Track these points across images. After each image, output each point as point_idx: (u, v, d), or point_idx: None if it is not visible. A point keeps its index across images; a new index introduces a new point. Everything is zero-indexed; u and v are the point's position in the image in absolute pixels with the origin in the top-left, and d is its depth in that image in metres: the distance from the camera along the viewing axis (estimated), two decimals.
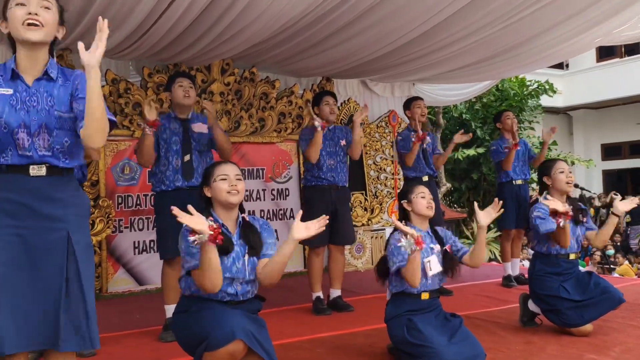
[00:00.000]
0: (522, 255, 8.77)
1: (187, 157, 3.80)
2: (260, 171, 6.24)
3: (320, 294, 4.51)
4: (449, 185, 11.77)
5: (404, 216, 3.28)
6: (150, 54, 5.04)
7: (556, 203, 3.60)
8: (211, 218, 2.47)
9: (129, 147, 5.48)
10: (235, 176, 2.62)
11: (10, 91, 2.03)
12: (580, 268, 3.96)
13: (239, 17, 4.20)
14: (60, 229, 2.04)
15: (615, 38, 6.06)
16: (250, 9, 4.08)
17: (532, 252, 3.97)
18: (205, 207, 2.66)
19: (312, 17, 4.46)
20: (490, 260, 10.96)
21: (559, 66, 15.86)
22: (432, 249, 3.15)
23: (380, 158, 7.00)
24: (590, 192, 11.30)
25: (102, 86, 5.17)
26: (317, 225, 2.49)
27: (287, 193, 6.39)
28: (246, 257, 2.58)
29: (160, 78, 5.48)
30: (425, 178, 5.10)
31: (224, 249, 2.48)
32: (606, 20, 5.19)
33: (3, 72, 2.06)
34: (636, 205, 3.82)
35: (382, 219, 6.90)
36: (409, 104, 5.34)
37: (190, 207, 2.32)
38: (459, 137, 5.25)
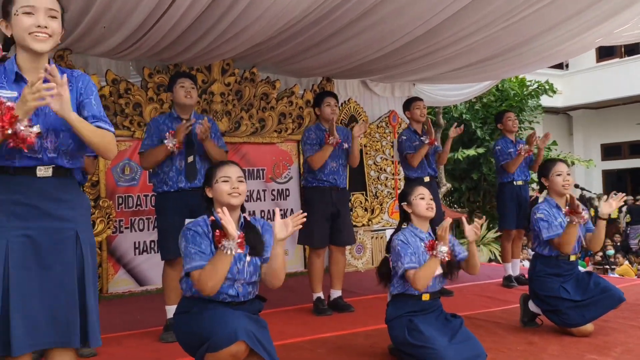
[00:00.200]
0: (522, 255, 8.76)
1: (190, 159, 3.80)
2: (261, 171, 6.24)
3: (321, 294, 4.51)
4: (449, 185, 11.77)
5: (405, 218, 3.28)
6: (150, 54, 5.04)
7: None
8: (220, 210, 2.43)
9: (129, 147, 5.48)
10: (237, 178, 2.62)
11: (15, 94, 2.03)
12: (580, 268, 3.96)
13: (239, 17, 4.20)
14: (68, 229, 2.07)
15: (615, 38, 6.06)
16: (251, 9, 4.08)
17: (532, 252, 3.97)
18: (207, 207, 2.66)
19: (313, 17, 4.46)
20: (490, 260, 10.97)
21: (559, 66, 15.87)
22: None
23: (381, 158, 7.00)
24: (590, 192, 11.30)
25: (103, 87, 5.20)
26: (294, 221, 2.49)
27: (287, 193, 6.39)
28: (247, 258, 2.57)
29: (161, 78, 5.48)
30: (427, 179, 5.09)
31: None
32: (606, 21, 5.20)
33: (3, 74, 2.06)
34: (622, 204, 3.80)
35: (382, 219, 6.91)
36: (408, 104, 5.33)
37: (224, 209, 2.36)
38: (454, 132, 5.22)
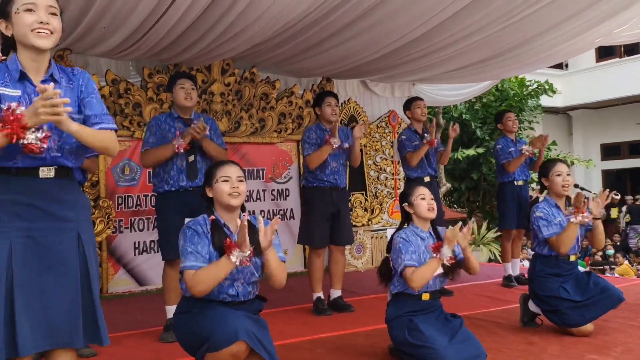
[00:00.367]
0: (522, 255, 8.76)
1: (191, 158, 3.80)
2: (261, 171, 6.24)
3: (320, 294, 4.51)
4: (448, 185, 11.77)
5: (406, 219, 3.28)
6: (150, 54, 5.04)
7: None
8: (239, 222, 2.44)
9: (128, 147, 5.48)
10: (237, 178, 2.62)
11: (18, 92, 2.03)
12: (580, 268, 3.96)
13: (239, 17, 4.20)
14: (71, 230, 2.08)
15: (615, 38, 6.06)
16: (251, 10, 4.08)
17: (532, 252, 3.96)
18: (207, 207, 2.66)
19: (312, 17, 4.46)
20: (490, 260, 10.96)
21: (559, 66, 15.87)
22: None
23: (380, 158, 7.00)
24: (590, 192, 11.27)
25: (102, 87, 5.20)
26: (271, 229, 2.46)
27: (287, 193, 6.39)
28: None
29: (161, 78, 5.47)
30: (427, 178, 5.09)
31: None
32: (606, 20, 5.20)
33: (7, 72, 2.06)
34: (610, 201, 3.81)
35: (382, 219, 6.91)
36: (409, 104, 5.33)
37: (243, 218, 2.38)
38: (453, 132, 5.20)
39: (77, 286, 2.04)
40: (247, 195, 5.94)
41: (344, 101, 6.66)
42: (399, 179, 6.97)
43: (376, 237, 6.86)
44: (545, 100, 14.01)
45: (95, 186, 5.29)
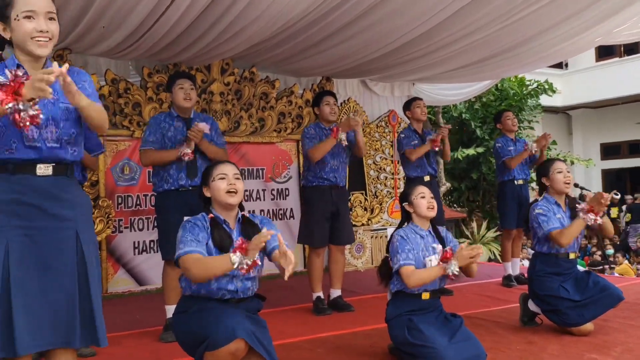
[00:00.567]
0: (522, 254, 8.76)
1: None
2: (260, 171, 6.23)
3: (320, 293, 4.51)
4: (448, 184, 11.77)
5: (406, 218, 3.28)
6: (150, 54, 5.04)
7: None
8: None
9: (128, 147, 5.48)
10: (234, 175, 2.62)
11: None
12: (580, 268, 3.96)
13: (238, 17, 4.20)
14: (69, 229, 2.07)
15: (614, 37, 6.06)
16: (250, 9, 4.08)
17: (532, 251, 3.96)
18: (205, 207, 2.66)
19: (312, 17, 4.46)
20: (490, 260, 10.97)
21: (558, 66, 15.86)
22: (433, 248, 3.14)
23: (380, 158, 7.00)
24: (590, 191, 11.26)
25: (102, 86, 5.20)
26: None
27: (287, 193, 6.39)
28: None
29: (160, 78, 5.47)
30: (427, 178, 5.10)
31: (225, 247, 2.51)
32: (606, 20, 5.20)
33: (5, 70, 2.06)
34: (610, 201, 3.82)
35: (382, 218, 6.90)
36: (409, 104, 5.33)
37: (269, 232, 2.40)
38: (445, 130, 5.18)
39: (74, 286, 2.03)
40: (247, 195, 5.98)
41: (344, 100, 6.66)
42: (399, 179, 6.97)
43: (376, 237, 6.86)
44: (545, 100, 14.01)
45: (94, 186, 5.29)
